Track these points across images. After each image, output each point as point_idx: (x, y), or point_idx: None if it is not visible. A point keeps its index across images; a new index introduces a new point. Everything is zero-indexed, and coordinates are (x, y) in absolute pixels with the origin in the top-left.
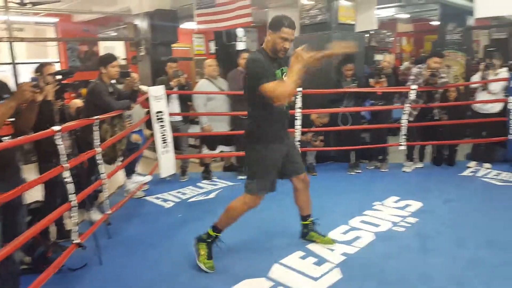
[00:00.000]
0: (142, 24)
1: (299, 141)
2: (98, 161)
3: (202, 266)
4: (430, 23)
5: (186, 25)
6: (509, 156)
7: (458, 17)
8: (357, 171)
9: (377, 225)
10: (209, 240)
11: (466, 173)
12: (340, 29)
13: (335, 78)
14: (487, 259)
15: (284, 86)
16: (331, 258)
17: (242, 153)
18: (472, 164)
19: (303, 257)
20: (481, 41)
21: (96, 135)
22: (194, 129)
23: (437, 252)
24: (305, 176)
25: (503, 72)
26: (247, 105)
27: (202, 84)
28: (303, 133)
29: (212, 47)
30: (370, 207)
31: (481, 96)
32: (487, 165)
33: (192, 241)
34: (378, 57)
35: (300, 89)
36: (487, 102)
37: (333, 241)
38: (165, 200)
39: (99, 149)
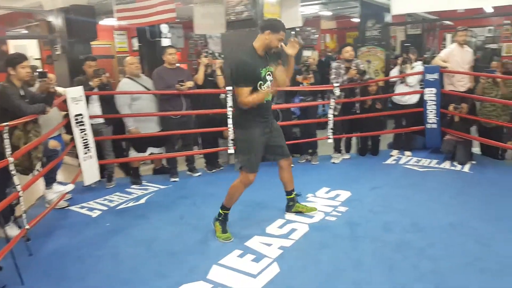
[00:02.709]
0: (57, 20)
1: (232, 140)
2: (11, 172)
3: (220, 240)
4: (351, 20)
5: (106, 22)
6: (428, 143)
7: (377, 14)
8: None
9: (311, 217)
10: (220, 218)
11: (389, 161)
12: None
13: None
14: (412, 241)
15: (250, 98)
16: (269, 253)
17: (173, 154)
18: (394, 152)
19: (241, 256)
20: (398, 37)
21: (7, 143)
22: None
23: (367, 239)
24: (289, 157)
25: (418, 66)
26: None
27: (125, 84)
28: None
29: (136, 44)
30: (304, 199)
31: (399, 88)
32: (408, 153)
33: (125, 249)
34: (306, 53)
35: (230, 88)
36: (405, 94)
37: (315, 208)
38: (91, 209)
39: (11, 159)
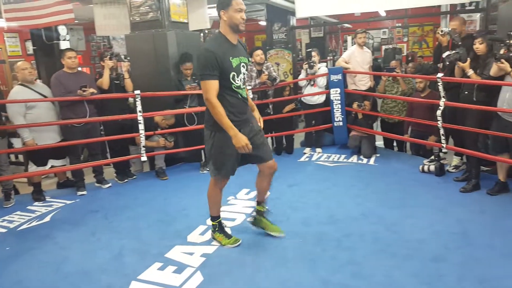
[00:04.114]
0: None
1: (144, 146)
2: None
3: (230, 246)
4: (259, 23)
5: None
6: (336, 140)
7: (283, 18)
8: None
9: (233, 219)
10: (217, 229)
11: (303, 158)
12: (174, 27)
13: (175, 78)
14: (330, 234)
15: (215, 101)
16: (191, 262)
17: (78, 165)
18: (307, 150)
19: (161, 268)
20: (302, 40)
21: None
22: (16, 143)
23: (288, 235)
24: (272, 162)
25: (323, 67)
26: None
27: (17, 91)
28: (147, 137)
29: (30, 47)
30: (225, 203)
31: (308, 89)
32: (319, 149)
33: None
34: None
35: (139, 91)
36: (313, 95)
37: (281, 231)
38: None
39: None
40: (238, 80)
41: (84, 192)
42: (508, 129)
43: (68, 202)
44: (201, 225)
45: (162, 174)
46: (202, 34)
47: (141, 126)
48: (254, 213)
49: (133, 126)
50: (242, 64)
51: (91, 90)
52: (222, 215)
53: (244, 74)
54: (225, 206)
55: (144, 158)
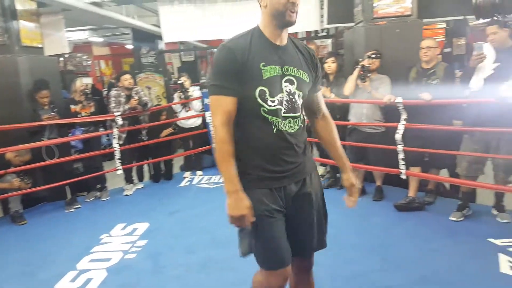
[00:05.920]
0: None
1: None
2: None
3: None
4: (126, 46)
5: None
6: (215, 161)
7: (150, 42)
8: (76, 206)
9: (108, 259)
10: None
11: (183, 183)
12: (26, 53)
13: (29, 107)
14: (214, 257)
15: (220, 144)
16: None
17: None
18: (187, 174)
19: None
20: (174, 63)
21: None
22: None
23: (171, 267)
24: (309, 257)
25: (196, 91)
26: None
27: None
28: None
29: None
30: (97, 242)
31: (183, 114)
32: (199, 172)
33: None
34: (86, 80)
35: None
36: (189, 118)
37: None
38: None
39: None
40: (272, 101)
41: None
42: (366, 140)
43: None
44: (71, 271)
45: (19, 219)
46: (61, 59)
47: None
48: None
49: None
50: (288, 78)
51: None
52: (96, 256)
53: (290, 95)
54: (97, 246)
55: None
